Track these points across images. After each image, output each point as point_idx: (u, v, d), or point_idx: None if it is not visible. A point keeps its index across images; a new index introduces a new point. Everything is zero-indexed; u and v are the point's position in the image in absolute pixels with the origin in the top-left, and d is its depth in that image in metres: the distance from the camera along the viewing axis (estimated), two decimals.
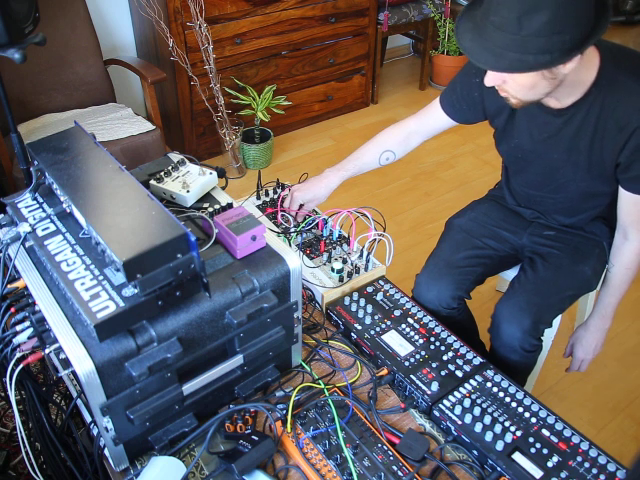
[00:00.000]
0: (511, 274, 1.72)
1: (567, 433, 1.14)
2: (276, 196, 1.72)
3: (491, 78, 1.24)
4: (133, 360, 0.95)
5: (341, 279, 1.46)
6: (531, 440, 1.13)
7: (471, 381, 1.24)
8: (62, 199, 1.09)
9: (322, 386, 1.24)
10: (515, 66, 1.12)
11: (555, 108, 1.32)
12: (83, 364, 0.91)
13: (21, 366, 1.02)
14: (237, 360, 1.12)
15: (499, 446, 1.11)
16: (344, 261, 1.51)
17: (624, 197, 1.39)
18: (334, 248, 1.54)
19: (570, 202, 1.47)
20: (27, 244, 1.09)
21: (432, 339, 1.33)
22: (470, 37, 1.18)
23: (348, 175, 1.65)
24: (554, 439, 1.13)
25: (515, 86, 1.23)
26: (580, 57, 1.14)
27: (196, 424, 1.12)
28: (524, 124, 1.43)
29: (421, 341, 1.33)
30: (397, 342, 1.32)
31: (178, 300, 0.98)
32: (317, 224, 1.61)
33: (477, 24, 1.17)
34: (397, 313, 1.40)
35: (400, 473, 1.08)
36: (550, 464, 1.09)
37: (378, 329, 1.36)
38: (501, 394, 1.21)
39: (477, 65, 1.20)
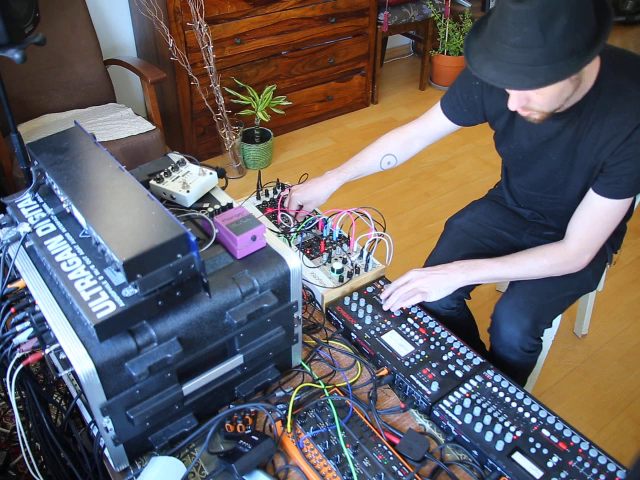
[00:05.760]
0: None
1: (567, 433, 1.14)
2: (276, 196, 1.72)
3: (516, 100, 1.22)
4: (133, 360, 0.95)
5: (341, 279, 1.46)
6: (531, 440, 1.13)
7: (471, 381, 1.24)
8: (62, 199, 1.09)
9: (322, 386, 1.24)
10: (551, 77, 1.10)
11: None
12: (83, 364, 0.91)
13: (21, 366, 1.02)
14: (237, 360, 1.12)
15: (499, 446, 1.11)
16: (344, 261, 1.51)
17: (587, 199, 1.37)
18: (334, 248, 1.54)
19: (569, 203, 1.47)
20: (27, 244, 1.09)
21: (432, 339, 1.33)
22: (492, 66, 1.15)
23: (349, 178, 1.65)
24: (554, 439, 1.13)
25: (542, 100, 1.21)
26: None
27: (196, 424, 1.12)
28: (524, 127, 1.42)
29: (421, 341, 1.33)
30: (397, 342, 1.32)
31: (178, 300, 0.98)
32: (317, 224, 1.61)
33: (493, 53, 1.14)
34: (397, 313, 1.40)
35: (400, 473, 1.07)
36: (550, 464, 1.09)
37: (378, 329, 1.36)
38: (501, 394, 1.21)
39: (512, 90, 1.19)
